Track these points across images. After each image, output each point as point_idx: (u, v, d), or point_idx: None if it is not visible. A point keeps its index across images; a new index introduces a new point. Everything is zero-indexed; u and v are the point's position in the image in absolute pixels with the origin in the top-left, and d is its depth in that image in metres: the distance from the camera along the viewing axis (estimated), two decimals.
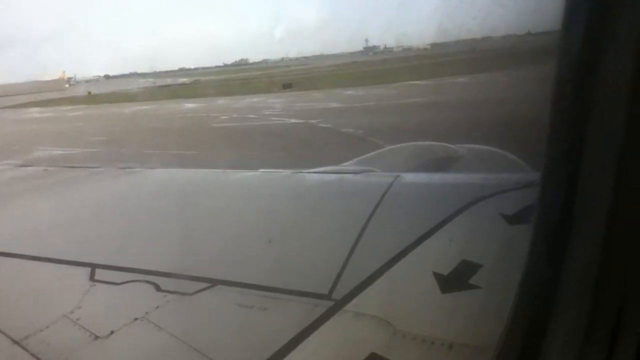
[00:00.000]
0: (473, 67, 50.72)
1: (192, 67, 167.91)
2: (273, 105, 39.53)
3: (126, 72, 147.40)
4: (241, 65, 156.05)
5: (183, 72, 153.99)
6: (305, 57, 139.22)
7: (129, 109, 50.15)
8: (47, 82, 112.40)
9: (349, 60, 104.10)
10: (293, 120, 29.23)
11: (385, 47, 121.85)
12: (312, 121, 27.71)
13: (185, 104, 48.31)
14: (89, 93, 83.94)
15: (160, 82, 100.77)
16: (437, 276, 2.78)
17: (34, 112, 56.47)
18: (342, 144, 20.74)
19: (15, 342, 2.73)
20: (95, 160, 22.20)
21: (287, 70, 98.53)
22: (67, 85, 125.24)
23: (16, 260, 3.96)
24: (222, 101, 47.86)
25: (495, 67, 39.89)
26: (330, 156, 12.69)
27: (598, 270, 1.28)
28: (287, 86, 57.82)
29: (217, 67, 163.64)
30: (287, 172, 5.87)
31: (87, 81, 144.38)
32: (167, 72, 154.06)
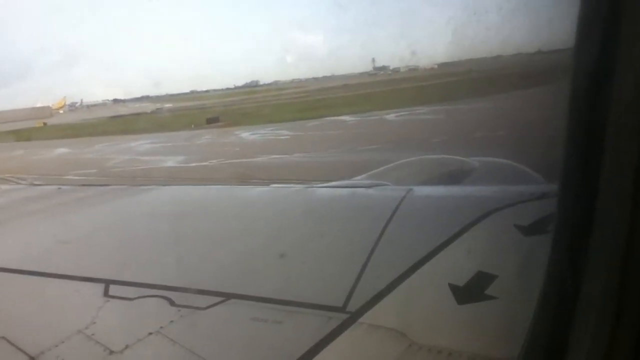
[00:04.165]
0: (447, 93, 44.25)
1: (204, 89, 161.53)
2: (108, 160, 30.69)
3: (138, 95, 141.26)
4: (251, 86, 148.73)
5: (193, 94, 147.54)
6: (315, 79, 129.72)
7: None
8: (33, 109, 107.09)
9: (344, 82, 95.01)
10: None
11: (392, 68, 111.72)
12: None
13: (58, 149, 39.94)
14: (45, 124, 77.27)
15: (138, 109, 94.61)
16: (453, 287, 2.69)
17: None
18: None
19: (32, 358, 2.69)
20: None
21: (275, 95, 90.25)
22: (61, 112, 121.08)
23: (32, 277, 3.87)
24: (99, 146, 38.83)
25: (474, 93, 38.41)
26: None
27: (620, 282, 1.25)
28: (211, 121, 49.74)
29: (227, 89, 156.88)
30: (300, 186, 6.32)
31: (90, 106, 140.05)
32: (178, 94, 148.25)
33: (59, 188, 7.44)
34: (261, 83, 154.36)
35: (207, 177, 21.53)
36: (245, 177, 19.43)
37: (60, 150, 39.29)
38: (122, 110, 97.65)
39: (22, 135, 56.73)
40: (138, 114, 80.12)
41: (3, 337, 2.93)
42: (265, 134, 35.97)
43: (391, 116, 36.94)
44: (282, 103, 67.92)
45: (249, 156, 25.81)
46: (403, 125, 32.18)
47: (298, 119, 42.22)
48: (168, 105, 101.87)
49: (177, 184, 19.34)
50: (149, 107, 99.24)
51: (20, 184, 22.17)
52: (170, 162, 27.41)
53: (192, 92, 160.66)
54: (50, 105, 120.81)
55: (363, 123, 35.87)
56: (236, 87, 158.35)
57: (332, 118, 40.35)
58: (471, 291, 2.63)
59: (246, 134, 36.93)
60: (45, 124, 77.53)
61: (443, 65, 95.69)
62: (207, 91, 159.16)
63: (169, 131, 45.49)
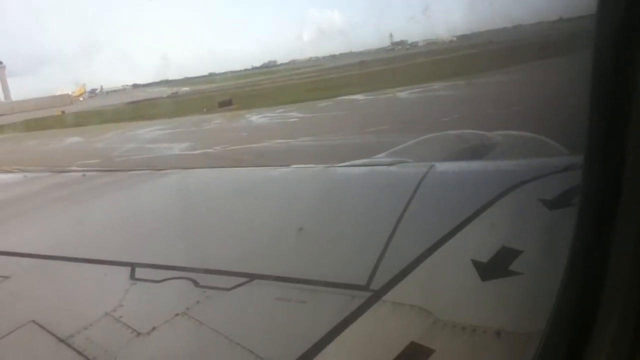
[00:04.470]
0: (463, 67, 44.40)
1: (222, 71, 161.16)
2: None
3: (157, 80, 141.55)
4: (269, 67, 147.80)
5: (211, 77, 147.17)
6: (332, 56, 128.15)
7: None
8: (53, 97, 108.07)
9: (361, 59, 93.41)
10: None
11: (410, 42, 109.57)
12: None
13: (70, 138, 39.92)
14: (63, 112, 77.67)
15: (155, 93, 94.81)
16: (477, 264, 2.67)
17: None
18: None
19: (61, 340, 2.73)
20: None
21: (292, 74, 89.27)
22: (81, 99, 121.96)
23: (60, 262, 3.91)
24: (110, 134, 38.74)
25: (493, 66, 37.78)
26: None
27: None
28: (223, 104, 48.92)
29: (245, 69, 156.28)
30: (320, 166, 5.84)
31: (110, 92, 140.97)
32: (196, 77, 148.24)
33: (84, 174, 7.40)
34: (279, 63, 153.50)
35: (208, 165, 20.94)
36: (246, 165, 18.77)
37: (72, 139, 39.26)
38: (141, 95, 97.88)
39: (39, 124, 57.15)
40: (154, 99, 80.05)
41: (33, 321, 2.93)
42: (275, 116, 35.31)
43: (404, 94, 35.94)
44: (297, 83, 67.08)
45: (254, 141, 25.17)
46: (414, 103, 31.22)
47: (310, 99, 41.46)
48: (185, 88, 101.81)
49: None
50: (166, 91, 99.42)
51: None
52: (175, 149, 26.97)
53: (211, 74, 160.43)
54: (70, 93, 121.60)
55: (375, 102, 35.00)
56: (254, 68, 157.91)
57: (344, 97, 39.53)
58: (495, 267, 2.60)
59: (256, 117, 36.32)
60: (63, 112, 77.89)
61: (462, 37, 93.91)
62: (224, 73, 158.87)
63: (182, 116, 45.15)
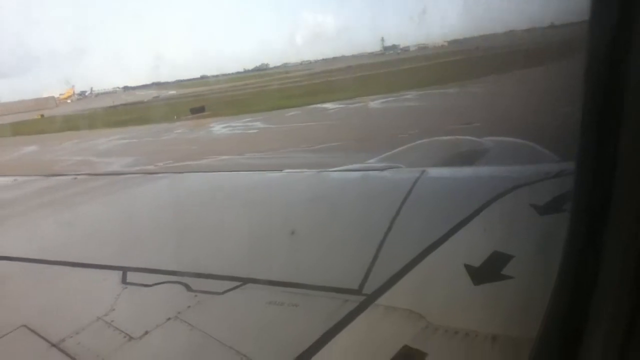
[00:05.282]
0: (443, 75, 42.79)
1: (215, 73, 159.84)
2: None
3: (149, 82, 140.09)
4: (261, 70, 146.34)
5: (202, 80, 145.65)
6: (324, 60, 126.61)
7: None
8: (37, 100, 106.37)
9: (348, 63, 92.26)
10: None
11: (401, 47, 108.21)
12: None
13: (28, 147, 38.29)
14: (42, 116, 75.97)
15: (140, 96, 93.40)
16: (469, 268, 2.69)
17: None
18: None
19: (53, 345, 2.72)
20: None
21: (277, 79, 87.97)
22: (69, 101, 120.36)
23: (51, 266, 3.87)
24: (68, 143, 37.14)
25: (474, 74, 37.13)
26: None
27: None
28: (195, 111, 47.45)
29: (237, 72, 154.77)
30: (313, 171, 5.78)
31: (99, 94, 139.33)
32: (187, 80, 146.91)
33: (75, 178, 7.33)
34: (270, 66, 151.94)
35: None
36: None
37: (29, 148, 37.52)
38: (129, 98, 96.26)
39: (10, 130, 55.38)
40: (134, 104, 78.35)
41: (24, 325, 2.88)
42: (238, 126, 33.80)
43: (376, 103, 34.66)
44: (278, 88, 65.85)
45: (199, 157, 23.49)
46: (380, 116, 29.77)
47: (282, 107, 40.15)
48: (172, 92, 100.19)
49: None
50: (152, 94, 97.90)
51: None
52: (116, 165, 25.26)
53: (202, 77, 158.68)
54: (57, 95, 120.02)
55: (342, 112, 33.58)
56: (246, 71, 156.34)
57: (315, 106, 38.34)
58: (487, 271, 2.59)
59: (219, 127, 34.83)
60: (42, 115, 76.16)
61: (453, 42, 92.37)
62: (217, 76, 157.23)
63: (150, 123, 43.59)
